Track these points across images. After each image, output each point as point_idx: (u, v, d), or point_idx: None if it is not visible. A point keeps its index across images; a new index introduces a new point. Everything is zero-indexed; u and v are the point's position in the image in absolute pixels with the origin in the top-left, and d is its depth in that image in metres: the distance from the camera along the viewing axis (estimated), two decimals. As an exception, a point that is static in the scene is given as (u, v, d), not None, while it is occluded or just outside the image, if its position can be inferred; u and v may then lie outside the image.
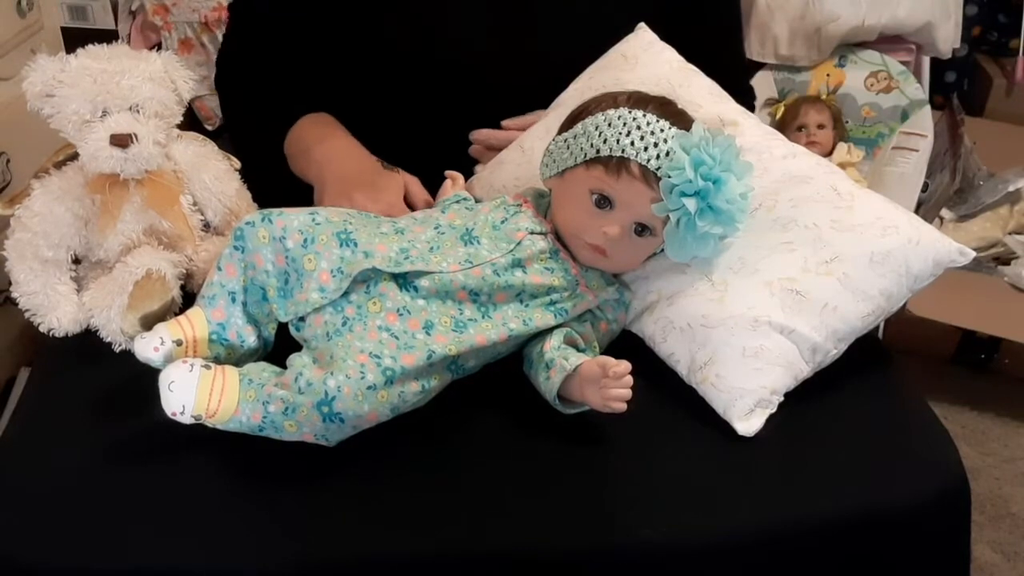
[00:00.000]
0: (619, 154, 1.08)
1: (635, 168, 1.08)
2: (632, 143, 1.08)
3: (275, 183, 1.27)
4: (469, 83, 1.36)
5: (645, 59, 1.33)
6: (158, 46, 2.04)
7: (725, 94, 1.32)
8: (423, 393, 1.02)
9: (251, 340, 1.09)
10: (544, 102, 1.36)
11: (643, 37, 1.36)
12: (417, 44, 1.36)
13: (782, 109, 1.78)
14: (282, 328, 1.10)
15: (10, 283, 1.19)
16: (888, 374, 1.21)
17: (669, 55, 1.34)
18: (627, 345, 1.17)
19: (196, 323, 1.07)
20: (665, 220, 1.09)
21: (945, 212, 1.99)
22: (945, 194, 1.96)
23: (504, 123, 1.36)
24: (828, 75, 1.80)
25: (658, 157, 1.07)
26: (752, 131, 1.26)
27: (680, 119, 1.12)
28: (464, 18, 1.36)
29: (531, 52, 1.37)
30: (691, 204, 1.06)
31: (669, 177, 1.06)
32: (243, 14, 1.45)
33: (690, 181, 1.06)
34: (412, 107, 1.39)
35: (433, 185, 1.31)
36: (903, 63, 1.79)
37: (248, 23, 1.44)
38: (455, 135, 1.40)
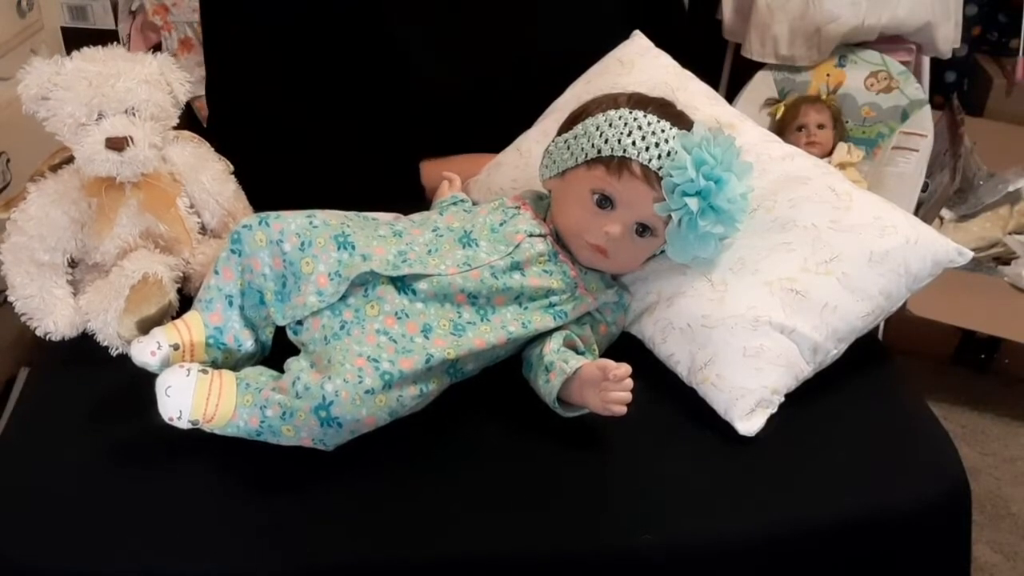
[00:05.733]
0: (620, 154, 1.08)
1: (636, 168, 1.08)
2: (633, 143, 1.07)
3: (272, 186, 1.27)
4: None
5: (641, 64, 1.33)
6: (158, 46, 2.03)
7: (721, 98, 1.33)
8: (421, 397, 1.01)
9: (248, 344, 1.09)
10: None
11: (639, 43, 1.36)
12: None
13: (782, 109, 1.77)
14: (279, 332, 1.09)
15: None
16: (888, 374, 1.21)
17: (665, 60, 1.35)
18: (627, 346, 1.17)
19: (193, 327, 1.06)
20: (666, 220, 1.09)
21: (945, 212, 1.99)
22: (945, 194, 1.95)
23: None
24: (828, 75, 1.79)
25: (659, 157, 1.07)
26: (750, 133, 1.26)
27: (680, 120, 1.12)
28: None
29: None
30: (693, 203, 1.06)
31: (671, 176, 1.06)
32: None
33: (692, 180, 1.06)
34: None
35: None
36: (903, 63, 1.78)
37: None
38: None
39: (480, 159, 1.39)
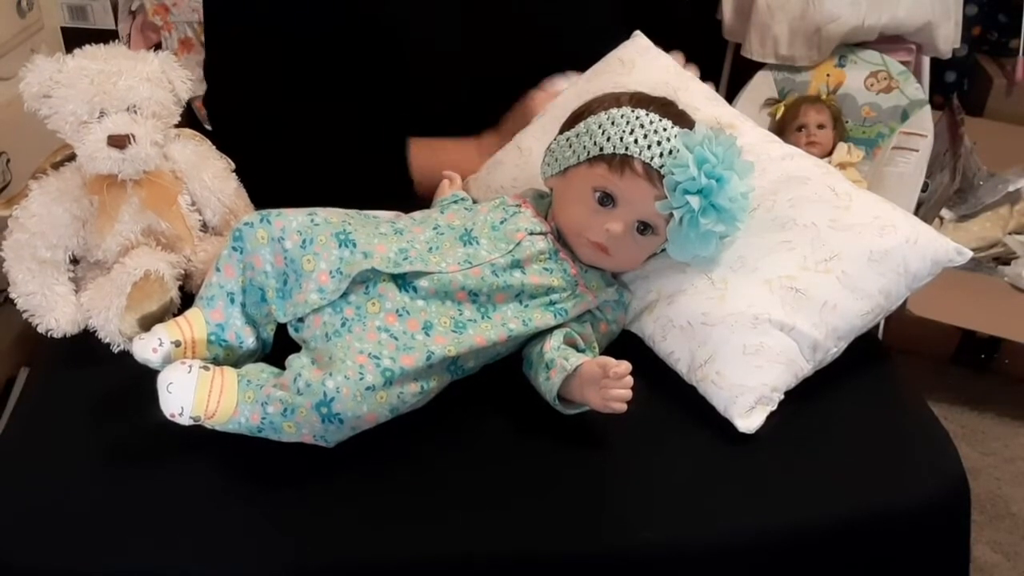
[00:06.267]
0: (623, 152, 1.08)
1: (638, 166, 1.08)
2: (636, 141, 1.08)
3: (273, 183, 1.27)
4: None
5: (642, 64, 1.33)
6: (158, 46, 2.03)
7: (721, 98, 1.33)
8: (422, 394, 1.02)
9: (250, 341, 1.09)
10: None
11: (639, 43, 1.36)
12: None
13: (782, 109, 1.78)
14: (281, 329, 1.09)
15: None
16: (888, 374, 1.21)
17: (666, 61, 1.35)
18: (627, 344, 1.17)
19: (195, 324, 1.07)
20: (667, 218, 1.09)
21: (945, 212, 1.99)
22: (945, 194, 1.96)
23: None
24: (828, 75, 1.79)
25: (661, 155, 1.07)
26: (749, 133, 1.26)
27: (682, 119, 1.13)
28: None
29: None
30: (695, 201, 1.06)
31: (673, 174, 1.07)
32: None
33: (694, 179, 1.06)
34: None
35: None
36: (903, 63, 1.78)
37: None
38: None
39: (466, 145, 1.39)
